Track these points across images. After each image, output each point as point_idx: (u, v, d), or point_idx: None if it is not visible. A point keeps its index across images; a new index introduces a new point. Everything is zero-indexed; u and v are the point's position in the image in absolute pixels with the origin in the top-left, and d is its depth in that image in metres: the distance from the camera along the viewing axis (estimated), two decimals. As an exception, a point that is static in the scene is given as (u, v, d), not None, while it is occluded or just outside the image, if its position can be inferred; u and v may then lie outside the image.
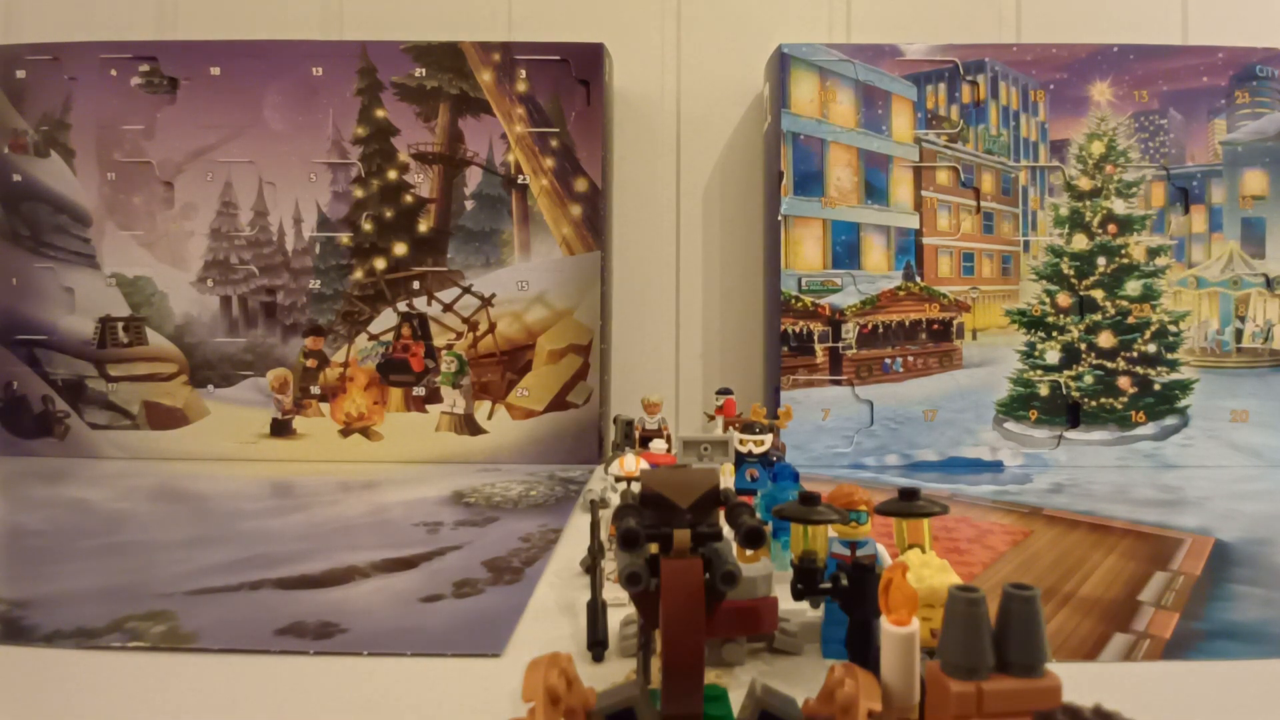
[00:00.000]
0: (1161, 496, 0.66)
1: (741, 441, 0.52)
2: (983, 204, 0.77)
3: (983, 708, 0.21)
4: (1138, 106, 0.77)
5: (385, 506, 0.62)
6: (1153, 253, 0.77)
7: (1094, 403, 0.76)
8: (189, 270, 0.77)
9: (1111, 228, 0.77)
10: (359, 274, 0.77)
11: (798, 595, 0.33)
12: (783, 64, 0.76)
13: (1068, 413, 0.77)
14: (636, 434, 0.70)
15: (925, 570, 0.25)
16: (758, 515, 0.29)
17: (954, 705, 0.21)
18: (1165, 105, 0.77)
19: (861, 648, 0.32)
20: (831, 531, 0.35)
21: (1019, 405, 0.77)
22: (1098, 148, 0.77)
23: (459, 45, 0.77)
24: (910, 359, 0.78)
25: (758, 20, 0.88)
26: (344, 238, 0.77)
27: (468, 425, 0.77)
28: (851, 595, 0.32)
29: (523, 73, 0.76)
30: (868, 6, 0.87)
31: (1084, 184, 0.77)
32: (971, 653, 0.21)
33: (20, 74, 0.77)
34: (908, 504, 0.33)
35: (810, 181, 0.77)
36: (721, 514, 0.30)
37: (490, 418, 0.77)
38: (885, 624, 0.24)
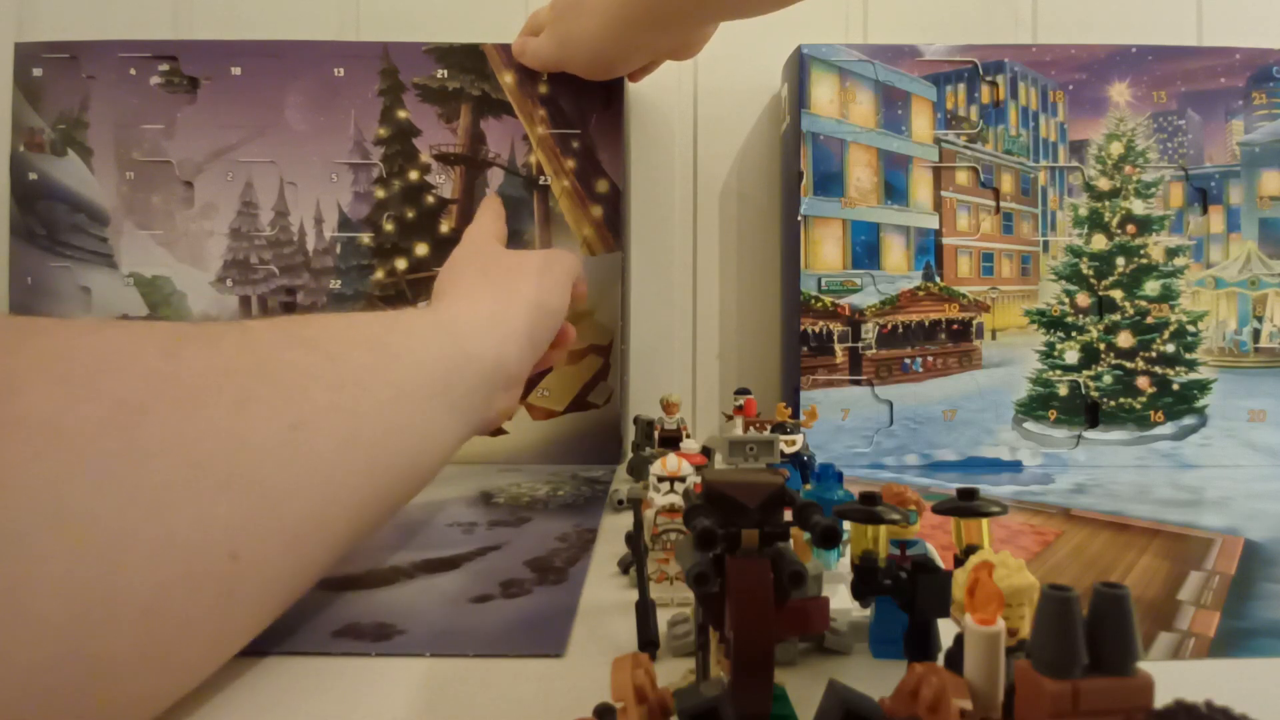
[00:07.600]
0: (1184, 496, 0.66)
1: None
2: (1002, 204, 0.78)
3: (1078, 705, 0.21)
4: (1156, 107, 0.77)
5: (413, 506, 0.61)
6: (1171, 253, 0.77)
7: (1113, 402, 0.77)
8: (208, 270, 0.77)
9: (1130, 228, 0.77)
10: (380, 274, 0.77)
11: (858, 594, 0.33)
12: (802, 64, 0.77)
13: (1087, 412, 0.77)
14: (656, 434, 0.70)
15: (1002, 570, 0.25)
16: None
17: (1049, 703, 0.21)
18: (1183, 106, 0.77)
19: (921, 648, 0.32)
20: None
21: (1038, 405, 0.77)
22: (1116, 148, 0.77)
23: (480, 47, 0.77)
24: (930, 359, 0.78)
25: (773, 21, 0.88)
26: (365, 238, 0.77)
27: (488, 425, 0.77)
28: (912, 595, 0.32)
29: (544, 74, 0.76)
30: (885, 7, 0.88)
31: (1103, 184, 0.77)
32: (1065, 651, 0.21)
33: (37, 72, 0.77)
34: (967, 503, 0.33)
35: (830, 182, 0.77)
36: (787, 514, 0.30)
37: (510, 418, 0.77)
38: (969, 623, 0.24)
